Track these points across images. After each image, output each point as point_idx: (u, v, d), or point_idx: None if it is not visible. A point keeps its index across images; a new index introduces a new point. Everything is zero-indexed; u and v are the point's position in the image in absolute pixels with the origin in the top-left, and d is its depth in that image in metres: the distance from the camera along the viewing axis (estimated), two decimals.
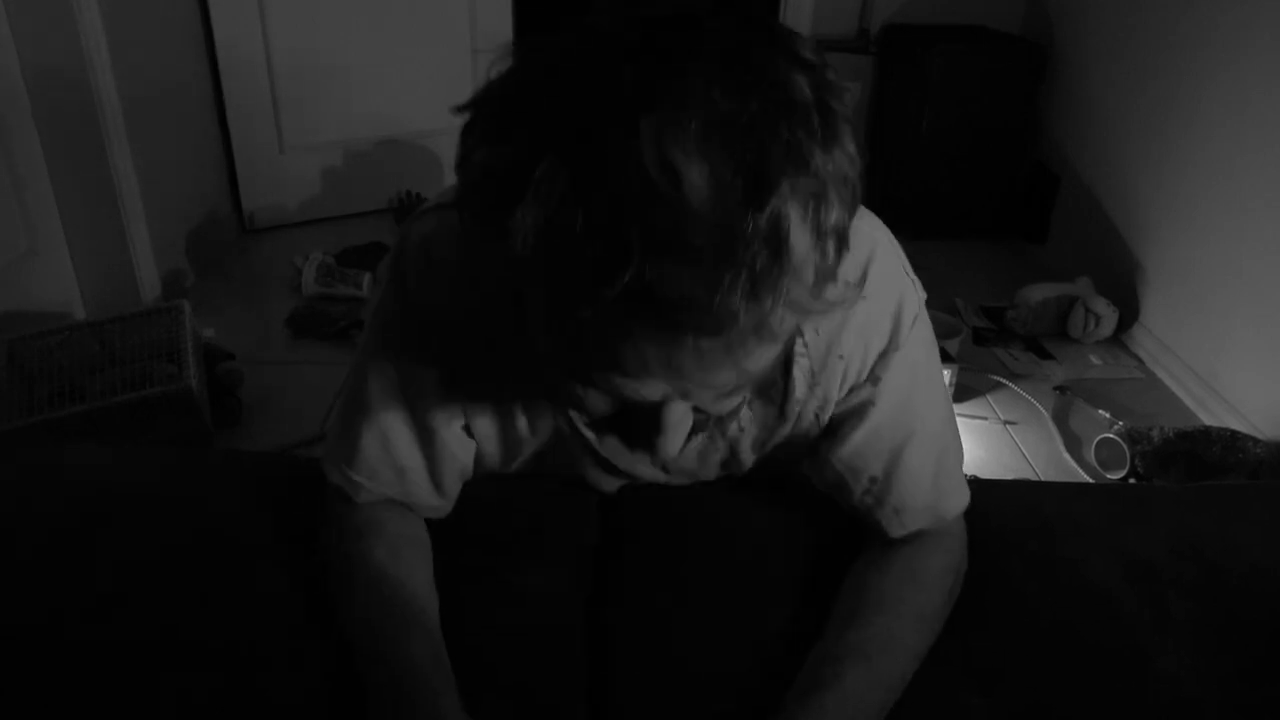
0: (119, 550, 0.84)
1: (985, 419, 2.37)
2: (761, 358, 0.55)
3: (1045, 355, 2.70)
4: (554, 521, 0.90)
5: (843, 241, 0.53)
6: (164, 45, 2.77)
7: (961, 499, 0.85)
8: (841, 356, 0.78)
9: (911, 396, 0.80)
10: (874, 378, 0.79)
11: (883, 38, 3.42)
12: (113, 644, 0.75)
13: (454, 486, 0.85)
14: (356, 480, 0.81)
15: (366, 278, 2.81)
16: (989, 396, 2.47)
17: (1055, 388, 2.50)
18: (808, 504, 0.92)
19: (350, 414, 0.81)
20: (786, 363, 0.78)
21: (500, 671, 0.75)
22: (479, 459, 0.87)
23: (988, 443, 2.28)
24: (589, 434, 0.83)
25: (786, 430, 0.83)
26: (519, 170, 0.48)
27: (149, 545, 0.85)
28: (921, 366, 0.81)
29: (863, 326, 0.77)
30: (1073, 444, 2.29)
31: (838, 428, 0.82)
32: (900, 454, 0.81)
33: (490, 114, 0.54)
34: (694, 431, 0.65)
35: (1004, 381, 2.52)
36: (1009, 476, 2.15)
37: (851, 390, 0.80)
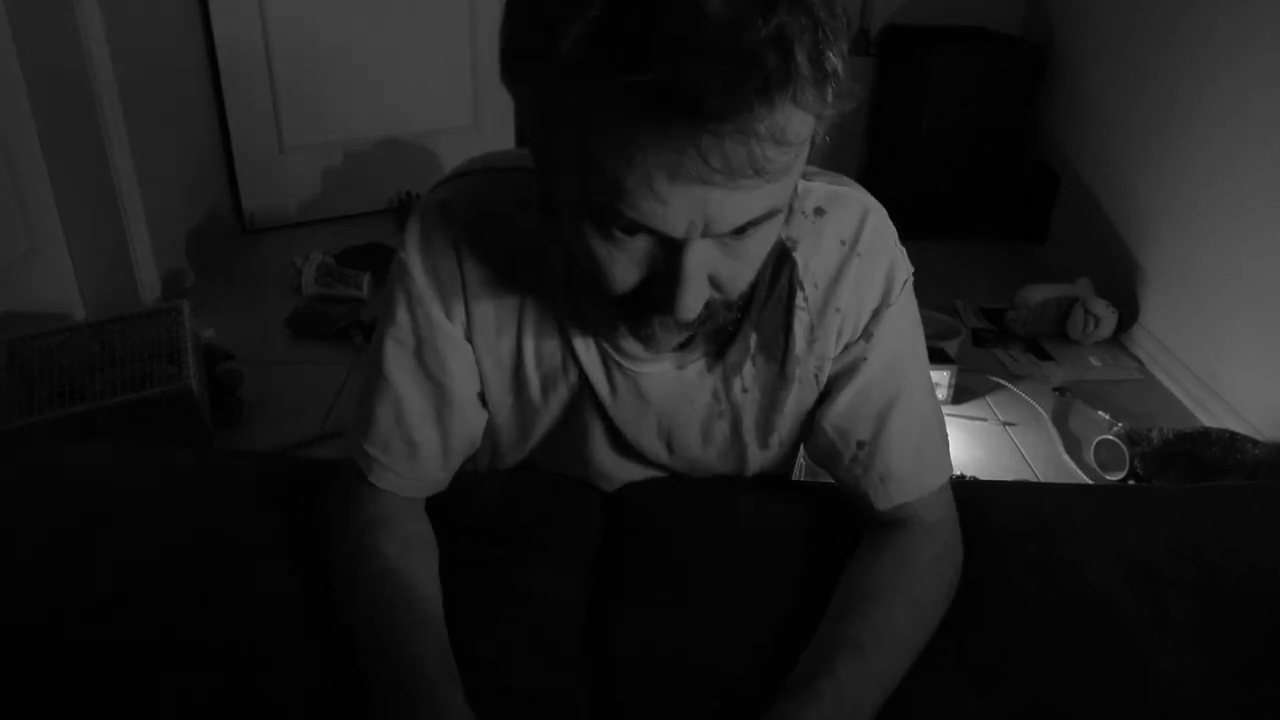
0: (119, 550, 0.84)
1: (984, 420, 2.37)
2: (780, 170, 0.58)
3: (1045, 356, 2.70)
4: (556, 520, 0.90)
5: (840, 83, 0.58)
6: (164, 46, 2.77)
7: (944, 471, 0.87)
8: (839, 310, 0.82)
9: (899, 358, 0.84)
10: (867, 334, 0.83)
11: (883, 39, 3.43)
12: (113, 644, 0.75)
13: (459, 458, 0.88)
14: (370, 453, 0.83)
15: (366, 278, 2.81)
16: (988, 398, 2.47)
17: (1055, 389, 2.50)
18: (807, 504, 0.92)
19: (367, 385, 0.84)
20: (788, 317, 0.82)
21: (501, 670, 0.75)
22: (494, 437, 0.90)
23: (987, 444, 2.28)
24: (597, 375, 0.84)
25: (788, 395, 0.86)
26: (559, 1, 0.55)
27: (149, 545, 0.85)
28: (909, 332, 0.85)
29: (858, 283, 0.81)
30: (1072, 445, 2.30)
31: (830, 388, 0.86)
32: (887, 417, 0.84)
33: None
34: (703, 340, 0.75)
35: (1003, 383, 2.53)
36: (1008, 478, 2.15)
37: (846, 348, 0.84)
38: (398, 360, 0.82)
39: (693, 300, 0.63)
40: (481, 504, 0.90)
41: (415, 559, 0.80)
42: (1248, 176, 2.31)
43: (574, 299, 0.81)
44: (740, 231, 0.62)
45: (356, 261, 2.94)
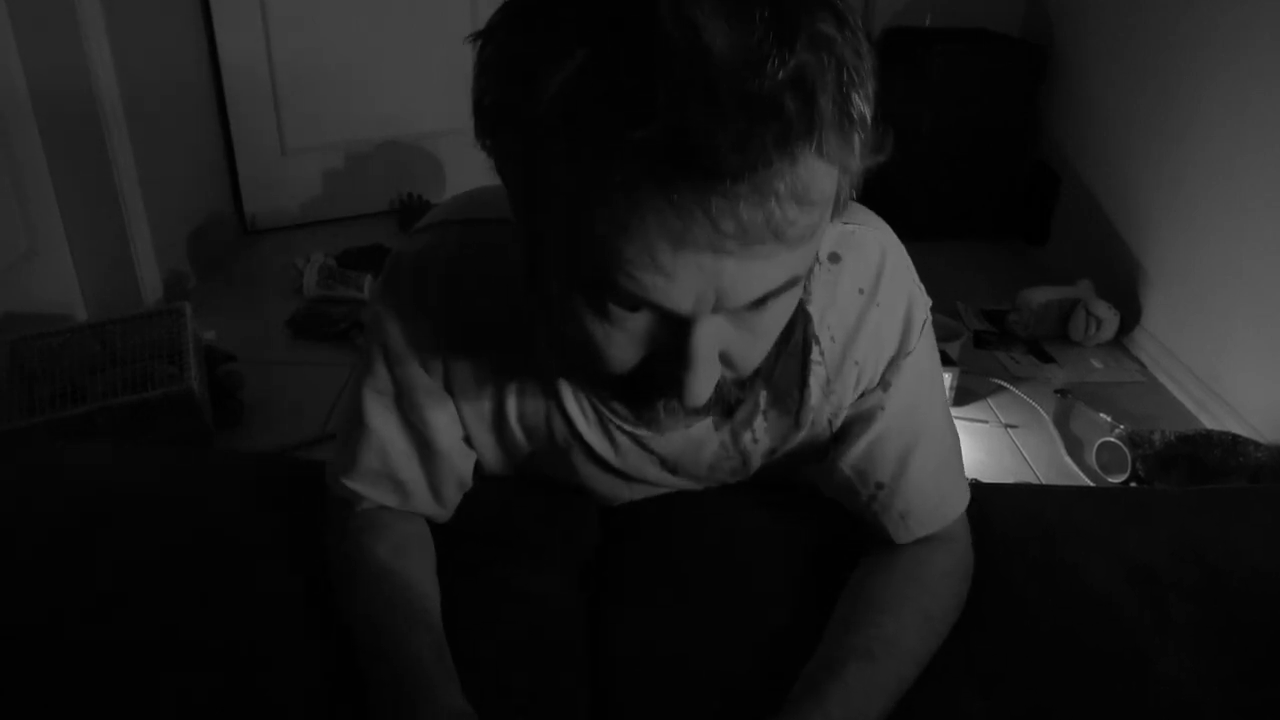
0: (119, 550, 0.84)
1: (986, 422, 2.37)
2: (802, 235, 0.51)
3: (1046, 358, 2.69)
4: (555, 521, 0.90)
5: (868, 131, 0.51)
6: (166, 47, 2.77)
7: (963, 499, 0.86)
8: (857, 362, 0.78)
9: (919, 402, 0.81)
10: (884, 383, 0.80)
11: (883, 40, 3.43)
12: (113, 644, 0.75)
13: (454, 497, 0.86)
14: (356, 490, 0.82)
15: (367, 279, 2.81)
16: (990, 400, 2.47)
17: (1056, 391, 2.49)
18: (807, 504, 0.92)
19: (349, 429, 0.82)
20: (803, 373, 0.78)
21: (501, 671, 0.75)
22: (479, 469, 0.88)
23: (988, 446, 2.28)
24: (594, 437, 0.82)
25: (799, 437, 0.83)
26: (539, 47, 0.49)
27: (149, 545, 0.85)
28: (927, 373, 0.82)
29: (875, 331, 0.77)
30: (1074, 447, 2.29)
31: (846, 432, 0.82)
32: (908, 460, 0.81)
33: (505, 19, 0.53)
34: (713, 411, 0.66)
35: (1005, 385, 2.52)
36: (1010, 480, 2.15)
37: (863, 395, 0.81)
38: (377, 410, 0.80)
39: (703, 384, 0.56)
40: (481, 507, 0.90)
41: (411, 559, 0.80)
42: (1249, 177, 2.31)
43: (566, 370, 0.76)
44: (758, 303, 0.55)
45: (357, 263, 2.94)
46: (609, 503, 0.92)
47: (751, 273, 0.51)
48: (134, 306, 2.50)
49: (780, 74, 0.46)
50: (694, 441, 0.82)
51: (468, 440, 0.84)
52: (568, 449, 0.83)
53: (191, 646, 0.75)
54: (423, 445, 0.81)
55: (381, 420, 0.80)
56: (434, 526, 0.86)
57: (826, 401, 0.80)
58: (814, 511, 0.91)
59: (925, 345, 0.80)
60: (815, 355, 0.77)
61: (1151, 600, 0.83)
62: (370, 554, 0.78)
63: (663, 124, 0.45)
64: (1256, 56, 2.28)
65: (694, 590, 0.84)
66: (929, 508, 0.83)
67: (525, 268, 0.62)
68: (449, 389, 0.80)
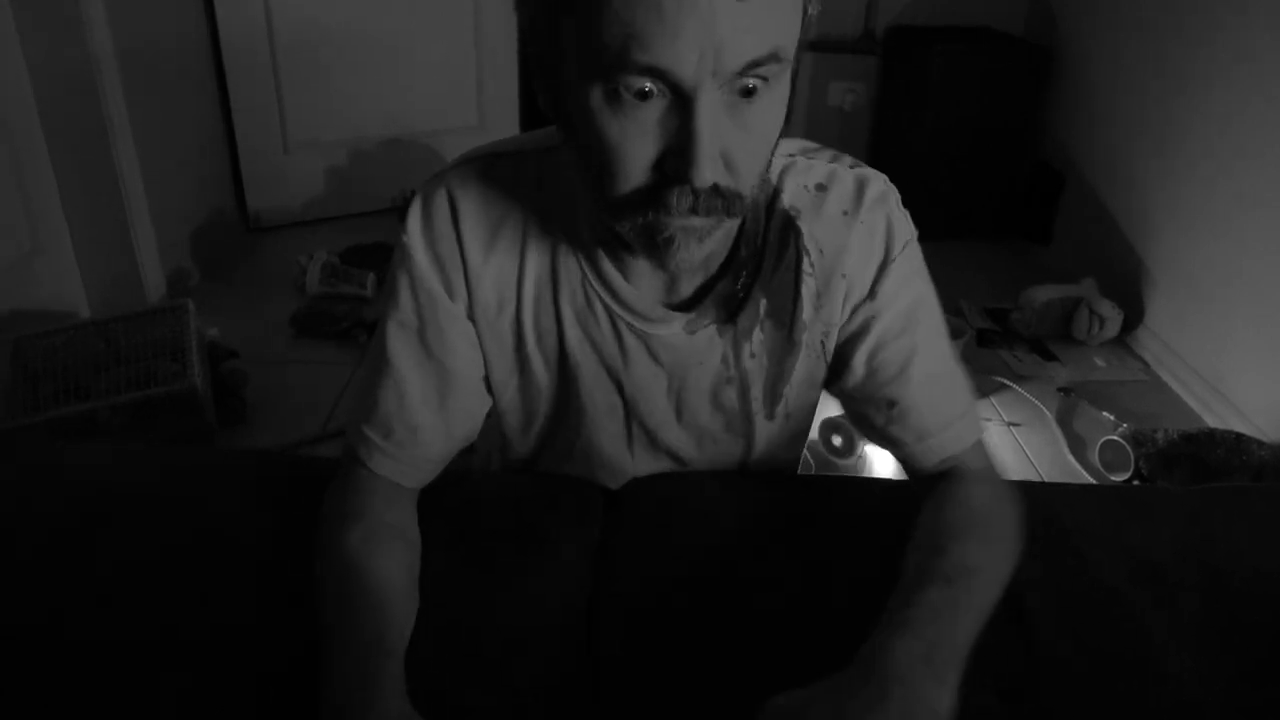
0: (119, 550, 0.84)
1: (989, 421, 2.37)
2: None
3: (1049, 357, 2.69)
4: (557, 520, 0.90)
5: None
6: (169, 45, 2.77)
7: (976, 427, 0.91)
8: (844, 275, 0.84)
9: (911, 312, 0.86)
10: (873, 292, 0.85)
11: (887, 39, 3.42)
12: (112, 644, 0.75)
13: (458, 444, 0.88)
14: (370, 437, 0.84)
15: (370, 277, 2.82)
16: (993, 398, 2.47)
17: (1059, 389, 2.49)
18: (811, 500, 0.92)
19: (371, 370, 0.85)
20: (796, 284, 0.84)
21: (501, 669, 0.75)
22: (500, 425, 0.91)
23: (992, 444, 2.27)
24: (606, 340, 0.85)
25: (795, 362, 0.87)
26: None
27: (149, 545, 0.85)
28: (917, 288, 0.86)
29: (860, 246, 0.83)
30: (1077, 446, 2.29)
31: (848, 354, 0.87)
32: (909, 369, 0.85)
33: None
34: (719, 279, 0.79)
35: (1008, 383, 2.52)
36: (1013, 478, 2.14)
37: (854, 311, 0.86)
38: (401, 343, 0.83)
39: (708, 160, 0.63)
40: (483, 505, 0.90)
41: (371, 550, 0.78)
42: (1253, 176, 2.30)
43: (592, 241, 0.81)
44: (749, 93, 0.62)
45: (361, 260, 2.94)
46: (614, 478, 0.94)
47: (741, 26, 0.59)
48: (137, 304, 2.50)
49: None
50: (697, 351, 0.85)
51: (487, 382, 0.88)
52: (577, 377, 0.86)
53: (191, 646, 0.75)
54: (442, 380, 0.84)
55: (403, 357, 0.83)
56: (439, 524, 0.86)
57: (818, 317, 0.86)
58: (817, 508, 0.91)
59: (911, 261, 0.85)
60: (806, 267, 0.84)
61: (1154, 598, 0.83)
62: (336, 543, 0.78)
63: None
64: (1260, 56, 2.28)
65: (695, 589, 0.84)
66: (942, 424, 0.87)
67: (552, 102, 0.70)
68: (471, 317, 0.84)
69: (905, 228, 0.85)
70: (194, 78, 2.94)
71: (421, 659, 0.73)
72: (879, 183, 0.84)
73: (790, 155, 0.84)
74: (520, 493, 0.93)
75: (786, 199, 0.83)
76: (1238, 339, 2.37)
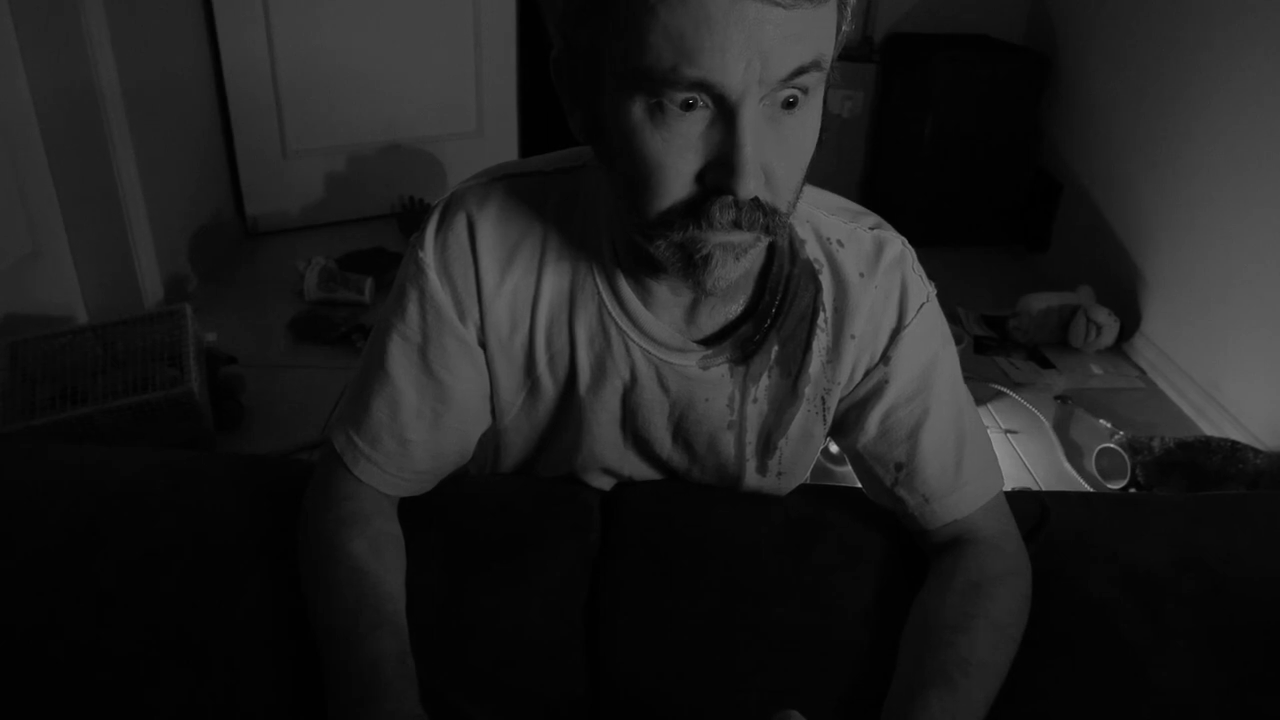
0: (117, 552, 0.84)
1: (986, 428, 2.36)
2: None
3: (1046, 364, 2.70)
4: (555, 521, 0.90)
5: None
6: (168, 49, 2.77)
7: (991, 486, 0.87)
8: (854, 336, 0.83)
9: (924, 376, 0.85)
10: (885, 357, 0.84)
11: (886, 46, 3.43)
12: (111, 645, 0.75)
13: (449, 465, 0.88)
14: (359, 446, 0.83)
15: (368, 283, 2.82)
16: (990, 405, 2.47)
17: (1056, 397, 2.49)
18: (808, 503, 0.93)
19: (365, 377, 0.84)
20: (809, 334, 0.84)
21: (501, 670, 0.75)
22: (499, 441, 0.91)
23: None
24: (618, 360, 0.84)
25: (794, 414, 0.87)
26: None
27: (146, 549, 0.85)
28: (933, 350, 0.85)
29: (872, 310, 0.83)
30: (1073, 453, 2.29)
31: (860, 415, 0.87)
32: (918, 437, 0.85)
33: None
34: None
35: (1005, 390, 2.52)
36: (1009, 486, 2.14)
37: (866, 374, 0.85)
38: (401, 356, 0.82)
39: (752, 170, 0.62)
40: (482, 507, 0.90)
41: (382, 560, 0.79)
42: (1249, 185, 2.31)
43: (614, 265, 0.81)
44: (789, 105, 0.63)
45: (359, 266, 2.94)
46: (608, 482, 0.94)
47: (786, 34, 0.59)
48: (135, 309, 2.50)
49: None
50: (707, 386, 0.85)
51: (493, 400, 0.87)
52: (584, 395, 0.86)
53: (188, 649, 0.75)
54: (438, 398, 0.83)
55: (402, 370, 0.82)
56: (436, 527, 0.86)
57: (824, 374, 0.85)
58: (814, 510, 0.91)
59: (927, 323, 0.84)
60: (820, 321, 0.83)
61: (1150, 607, 0.83)
62: (341, 553, 0.78)
63: None
64: (1258, 65, 2.29)
65: (694, 590, 0.84)
66: (948, 488, 0.85)
67: (587, 125, 0.70)
68: (482, 342, 0.83)
69: (920, 289, 0.84)
70: (193, 83, 2.94)
71: (420, 663, 0.73)
72: (895, 245, 0.84)
73: (816, 208, 0.84)
74: (518, 496, 0.93)
75: (809, 250, 0.83)
76: (1234, 347, 2.37)
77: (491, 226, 0.81)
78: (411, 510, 0.87)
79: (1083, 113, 3.09)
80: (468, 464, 0.93)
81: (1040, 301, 2.78)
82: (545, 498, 0.92)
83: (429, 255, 0.81)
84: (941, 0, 3.42)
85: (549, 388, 0.86)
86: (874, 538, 0.90)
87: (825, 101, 0.68)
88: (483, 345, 0.84)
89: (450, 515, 0.88)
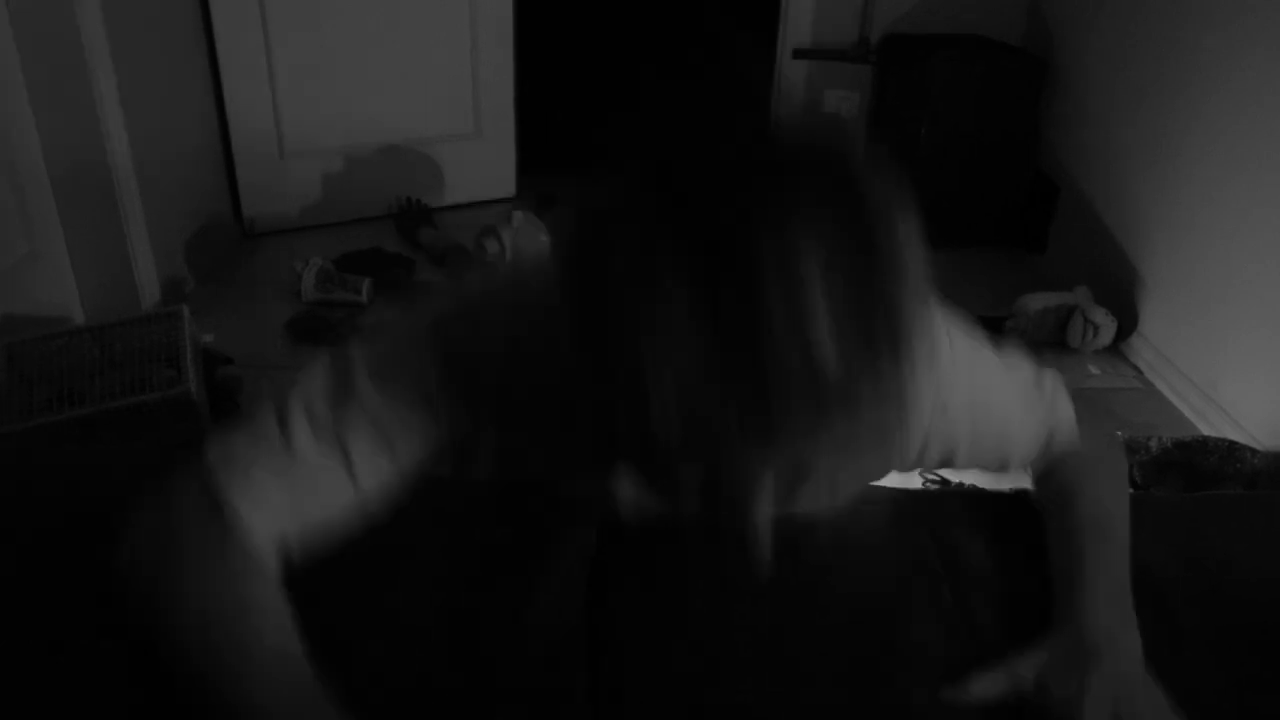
0: (114, 554, 0.83)
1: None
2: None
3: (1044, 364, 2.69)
4: (555, 521, 0.90)
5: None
6: (165, 49, 2.77)
7: (1065, 418, 0.93)
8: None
9: (975, 395, 0.87)
10: (941, 406, 0.83)
11: (883, 47, 3.43)
12: (109, 646, 0.75)
13: (353, 499, 0.75)
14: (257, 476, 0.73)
15: (366, 284, 2.81)
16: None
17: None
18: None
19: (331, 384, 0.77)
20: None
21: (501, 672, 0.75)
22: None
23: None
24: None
25: (860, 462, 0.84)
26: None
27: None
28: (968, 360, 0.88)
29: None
30: None
31: (949, 451, 0.87)
32: (1006, 438, 0.90)
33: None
34: None
35: None
36: (1008, 486, 2.14)
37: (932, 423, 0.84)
38: (373, 395, 0.74)
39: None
40: (480, 510, 0.90)
41: (275, 589, 0.71)
42: (1247, 186, 2.31)
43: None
44: None
45: (356, 267, 2.94)
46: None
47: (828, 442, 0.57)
48: (132, 309, 2.50)
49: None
50: None
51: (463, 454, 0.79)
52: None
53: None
54: (382, 444, 0.74)
55: (368, 402, 0.74)
56: (435, 528, 0.86)
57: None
58: (812, 513, 0.91)
59: (954, 367, 0.85)
60: None
61: (1148, 606, 0.83)
62: (260, 590, 0.71)
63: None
64: (1255, 67, 2.29)
65: (693, 592, 0.84)
66: (1001, 458, 0.91)
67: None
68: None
69: (944, 351, 0.84)
70: (190, 83, 2.94)
71: (419, 663, 0.73)
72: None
73: None
74: (516, 500, 0.93)
75: None
76: (1231, 347, 2.37)
77: (503, 368, 0.76)
78: (412, 511, 0.87)
79: (1080, 113, 3.09)
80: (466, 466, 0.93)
81: (1038, 302, 2.78)
82: (545, 498, 0.92)
83: (435, 368, 0.76)
84: (939, 1, 3.42)
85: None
86: (881, 538, 0.90)
87: None
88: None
89: (450, 516, 0.88)
